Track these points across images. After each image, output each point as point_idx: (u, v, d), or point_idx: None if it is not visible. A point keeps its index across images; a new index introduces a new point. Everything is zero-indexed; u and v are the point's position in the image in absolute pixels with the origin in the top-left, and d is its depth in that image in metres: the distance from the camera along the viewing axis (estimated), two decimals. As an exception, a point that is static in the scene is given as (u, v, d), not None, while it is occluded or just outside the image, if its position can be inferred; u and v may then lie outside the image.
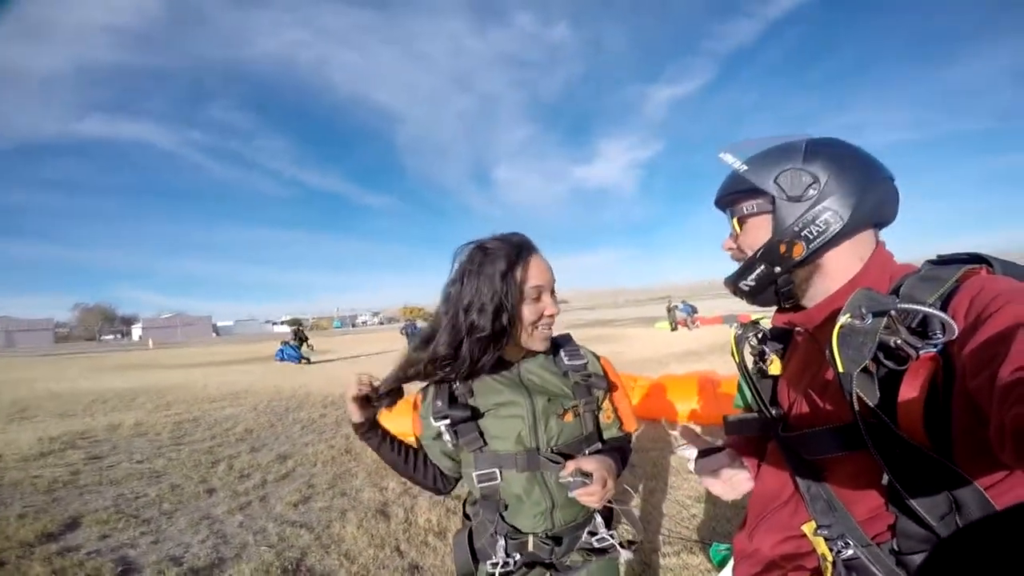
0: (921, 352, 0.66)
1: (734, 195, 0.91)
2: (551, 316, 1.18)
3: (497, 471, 1.18)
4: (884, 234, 0.89)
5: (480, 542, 1.24)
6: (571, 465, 1.06)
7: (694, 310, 21.87)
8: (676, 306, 21.77)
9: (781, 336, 0.99)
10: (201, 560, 2.84)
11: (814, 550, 0.85)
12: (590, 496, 1.04)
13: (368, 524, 3.22)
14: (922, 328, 0.67)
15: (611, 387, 1.29)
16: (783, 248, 0.85)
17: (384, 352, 18.91)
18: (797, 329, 0.93)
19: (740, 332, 1.05)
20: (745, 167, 0.86)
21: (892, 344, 0.67)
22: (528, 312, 1.14)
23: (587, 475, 1.04)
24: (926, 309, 0.66)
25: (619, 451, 1.27)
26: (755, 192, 0.86)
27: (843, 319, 0.71)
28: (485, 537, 1.23)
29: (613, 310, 63.57)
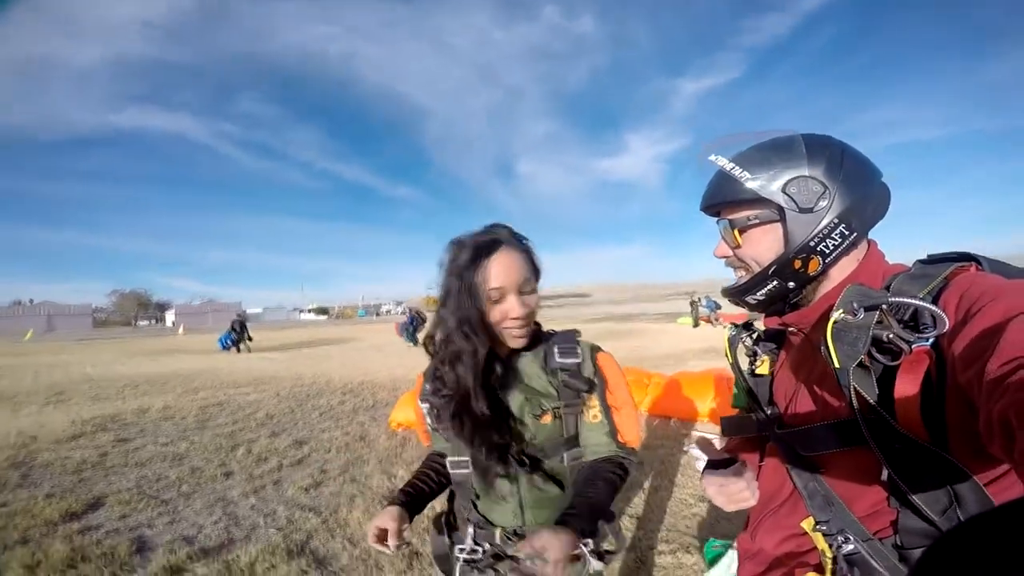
0: (914, 346, 0.66)
1: (733, 203, 0.87)
2: (515, 319, 1.11)
3: (469, 460, 1.19)
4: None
5: (455, 525, 1.28)
6: (525, 547, 0.91)
7: (717, 306, 21.47)
8: (699, 300, 21.41)
9: (774, 336, 0.99)
10: (212, 540, 2.95)
11: (815, 547, 0.85)
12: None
13: (374, 510, 3.29)
14: (913, 322, 0.68)
15: (604, 387, 1.19)
16: (798, 264, 0.82)
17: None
18: (790, 329, 0.92)
19: (733, 333, 1.04)
20: (747, 174, 0.81)
21: (885, 338, 0.67)
22: (492, 313, 1.11)
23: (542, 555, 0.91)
24: (917, 302, 0.66)
25: (603, 492, 1.10)
26: (759, 202, 0.82)
27: (836, 315, 0.71)
28: (460, 522, 1.27)
29: (637, 304, 62.98)
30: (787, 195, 0.79)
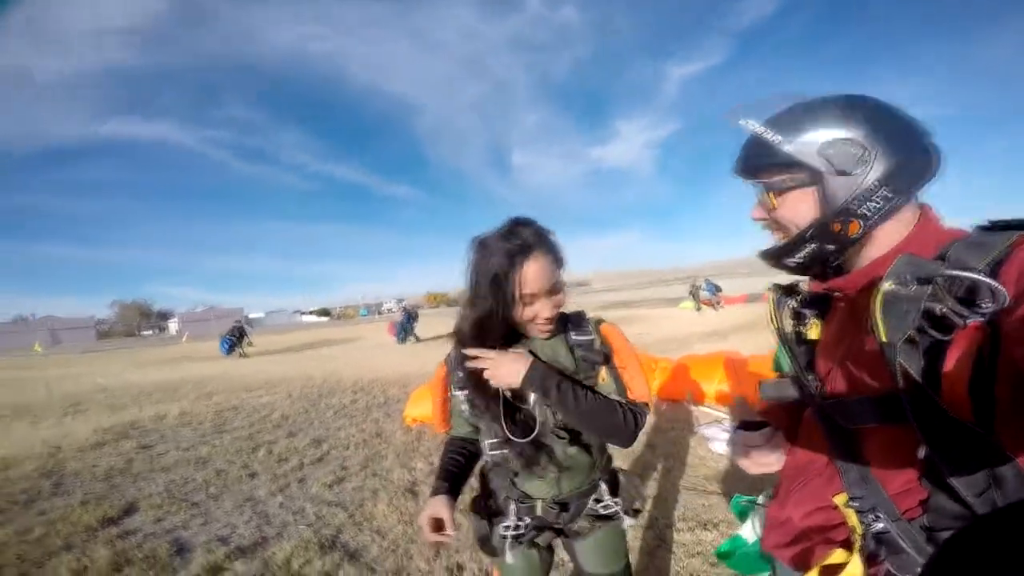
0: (968, 321, 0.63)
1: (767, 167, 0.84)
2: (545, 319, 1.21)
3: (507, 440, 1.25)
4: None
5: (494, 506, 1.37)
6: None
7: (718, 289, 21.61)
8: (700, 286, 21.59)
9: (818, 301, 0.96)
10: (246, 539, 3.08)
11: (845, 522, 0.85)
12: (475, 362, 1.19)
13: (398, 502, 3.43)
14: (970, 296, 0.64)
15: (612, 354, 1.29)
16: (838, 227, 0.80)
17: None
18: (836, 294, 0.90)
19: (778, 296, 1.00)
20: (780, 137, 0.79)
21: (937, 312, 0.64)
22: (522, 313, 1.19)
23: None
24: (974, 276, 0.62)
25: (590, 398, 1.21)
26: (796, 165, 0.80)
27: (886, 286, 0.68)
28: (499, 501, 1.35)
29: (637, 291, 62.90)
30: (824, 158, 0.77)
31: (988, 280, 0.62)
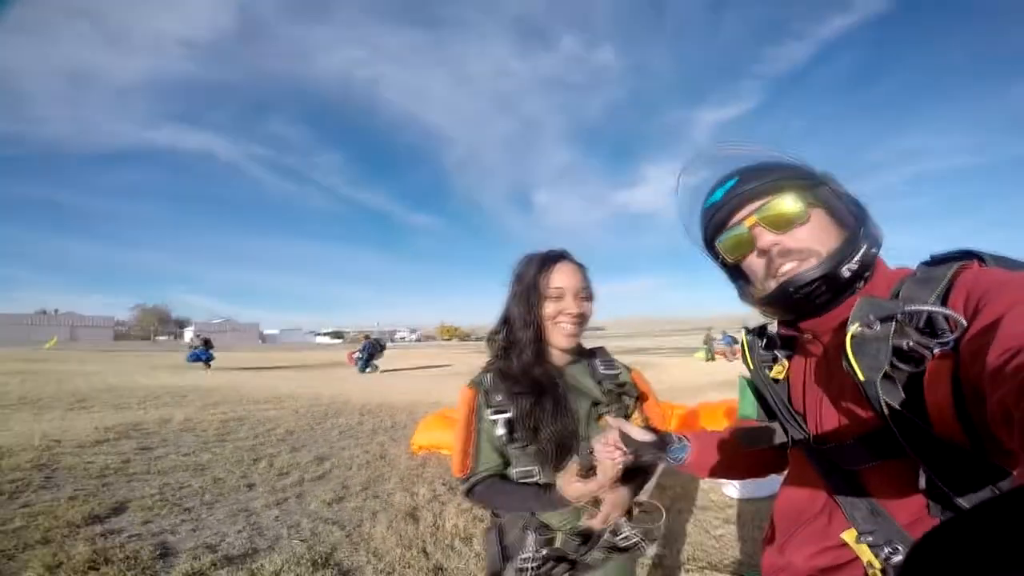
0: (935, 351, 0.66)
1: (792, 182, 0.83)
2: (569, 314, 1.25)
3: (536, 468, 1.22)
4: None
5: (509, 538, 1.25)
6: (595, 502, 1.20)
7: (735, 341, 21.38)
8: (714, 337, 21.47)
9: (785, 342, 0.96)
10: (236, 549, 2.91)
11: (856, 559, 0.81)
12: (592, 522, 1.19)
13: (397, 525, 3.25)
14: (930, 327, 0.69)
15: (641, 396, 1.37)
16: (864, 246, 0.78)
17: (425, 367, 19.18)
18: (805, 336, 0.89)
19: (751, 338, 0.99)
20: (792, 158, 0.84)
21: (905, 347, 0.67)
22: (549, 308, 1.25)
23: (596, 505, 1.19)
24: (930, 308, 0.67)
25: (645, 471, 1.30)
26: (821, 185, 0.83)
27: (853, 328, 0.71)
28: (515, 532, 1.25)
29: (652, 339, 62.42)
30: (831, 190, 0.84)
31: (943, 310, 0.66)
